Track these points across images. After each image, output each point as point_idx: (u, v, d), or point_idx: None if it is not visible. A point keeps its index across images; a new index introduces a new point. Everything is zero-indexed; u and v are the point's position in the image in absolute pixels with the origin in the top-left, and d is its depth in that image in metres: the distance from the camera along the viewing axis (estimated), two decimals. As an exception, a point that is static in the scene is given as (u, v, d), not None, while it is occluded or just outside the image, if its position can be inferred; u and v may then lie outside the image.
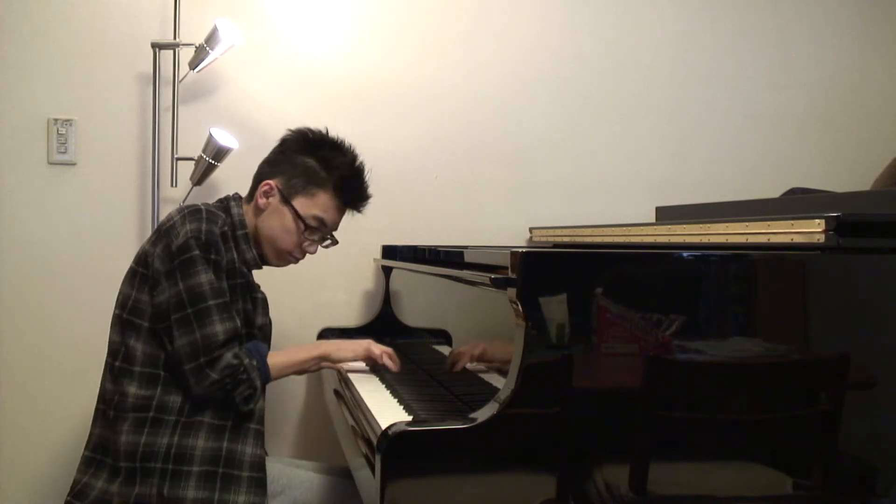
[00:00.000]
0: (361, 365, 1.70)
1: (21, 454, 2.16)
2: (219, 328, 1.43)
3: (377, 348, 1.62)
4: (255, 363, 1.46)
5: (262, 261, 1.65)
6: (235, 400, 1.44)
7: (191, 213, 1.49)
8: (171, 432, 1.43)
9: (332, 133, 1.68)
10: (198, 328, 1.42)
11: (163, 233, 1.49)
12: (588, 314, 1.13)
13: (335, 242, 1.71)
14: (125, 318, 1.49)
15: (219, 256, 1.48)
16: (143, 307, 1.48)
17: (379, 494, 1.05)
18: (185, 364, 1.43)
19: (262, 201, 1.61)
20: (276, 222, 1.60)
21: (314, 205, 1.61)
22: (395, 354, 1.63)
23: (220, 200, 1.65)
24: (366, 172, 1.67)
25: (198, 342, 1.42)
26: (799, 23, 2.54)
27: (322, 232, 1.65)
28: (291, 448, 2.27)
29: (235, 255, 1.54)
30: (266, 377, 1.49)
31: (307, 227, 1.61)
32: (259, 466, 1.46)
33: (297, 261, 1.67)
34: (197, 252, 1.44)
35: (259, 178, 1.65)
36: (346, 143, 1.68)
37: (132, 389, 1.45)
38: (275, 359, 1.53)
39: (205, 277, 1.44)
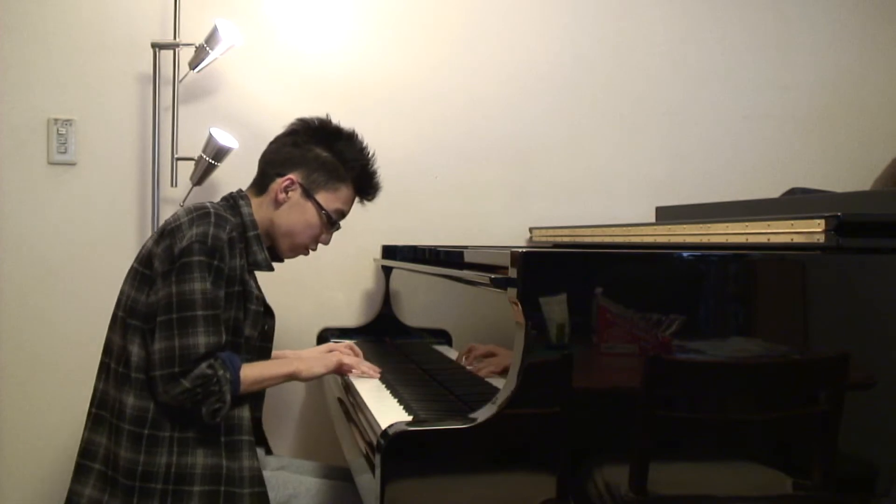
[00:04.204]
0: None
1: (21, 455, 2.15)
2: (201, 340, 1.38)
3: (349, 360, 1.62)
4: (228, 376, 1.40)
5: (272, 255, 1.61)
6: (202, 411, 1.38)
7: (199, 215, 1.44)
8: (167, 450, 1.40)
9: (335, 120, 1.69)
10: (178, 336, 1.37)
11: (167, 233, 1.44)
12: (588, 314, 1.13)
13: (338, 228, 1.71)
14: (125, 320, 1.46)
15: (222, 263, 1.43)
16: (141, 308, 1.44)
17: (379, 494, 1.05)
18: (156, 369, 1.38)
19: (281, 196, 1.58)
20: (298, 217, 1.60)
21: (336, 199, 1.63)
22: (367, 363, 1.64)
23: (226, 199, 1.60)
24: (372, 159, 1.69)
25: (174, 350, 1.37)
26: (799, 23, 2.54)
27: (339, 224, 1.67)
28: (291, 448, 2.27)
29: (239, 262, 1.48)
30: (236, 391, 1.42)
31: (331, 221, 1.63)
32: (259, 481, 1.44)
33: (308, 252, 1.67)
34: (198, 258, 1.40)
35: (270, 170, 1.62)
36: (355, 133, 1.68)
37: (130, 400, 1.42)
38: (246, 372, 1.44)
39: (199, 285, 1.39)
